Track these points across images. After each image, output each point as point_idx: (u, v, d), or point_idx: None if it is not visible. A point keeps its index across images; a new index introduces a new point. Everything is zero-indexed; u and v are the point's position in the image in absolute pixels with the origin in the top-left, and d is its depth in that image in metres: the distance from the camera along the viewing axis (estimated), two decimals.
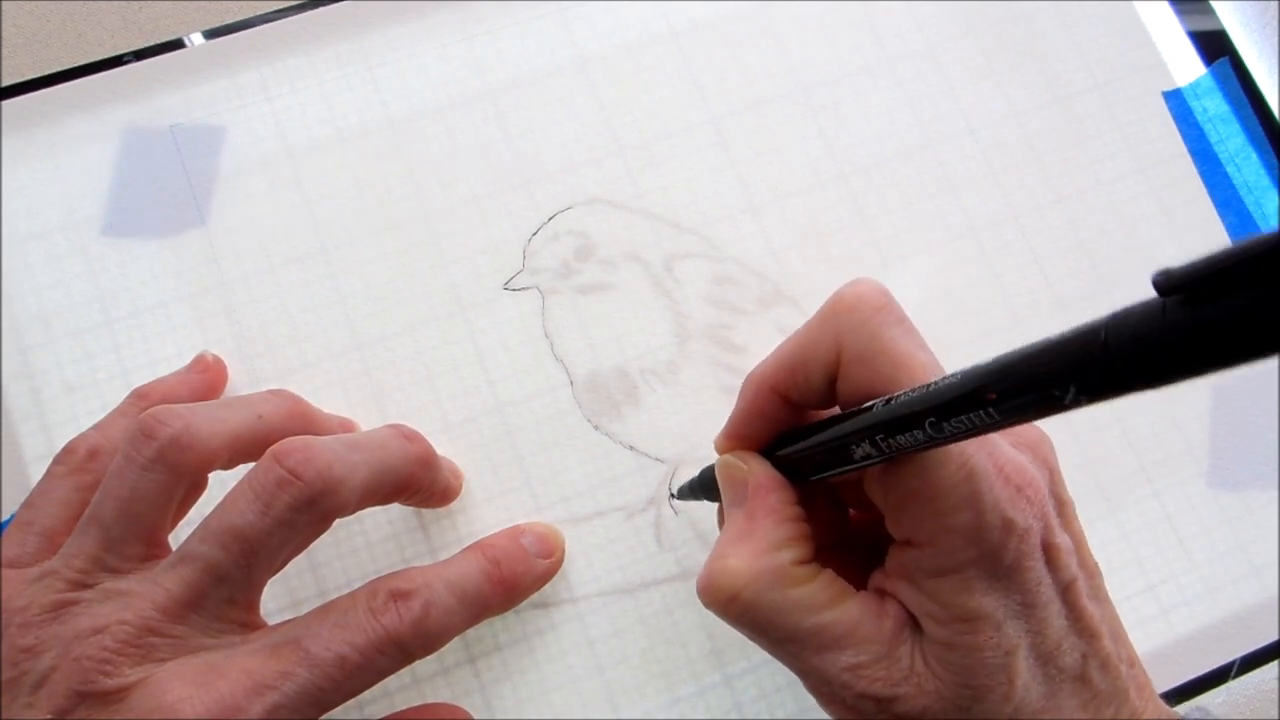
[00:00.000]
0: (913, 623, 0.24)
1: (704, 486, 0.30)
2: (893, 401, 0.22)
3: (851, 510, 0.29)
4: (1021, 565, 0.23)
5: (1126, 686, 0.25)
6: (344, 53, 0.38)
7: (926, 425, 0.21)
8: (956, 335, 0.36)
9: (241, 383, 0.34)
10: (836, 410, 0.26)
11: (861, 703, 0.24)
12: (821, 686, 0.25)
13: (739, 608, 0.25)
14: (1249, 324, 0.15)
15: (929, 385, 0.21)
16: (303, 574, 0.33)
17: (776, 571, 0.25)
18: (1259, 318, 0.15)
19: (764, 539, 0.25)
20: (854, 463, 0.24)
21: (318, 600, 0.32)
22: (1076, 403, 0.18)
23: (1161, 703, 0.26)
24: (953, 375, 0.21)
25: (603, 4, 0.39)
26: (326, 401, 0.34)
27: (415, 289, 0.35)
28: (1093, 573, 0.25)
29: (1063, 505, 0.25)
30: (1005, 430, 0.25)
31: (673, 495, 0.34)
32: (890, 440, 0.22)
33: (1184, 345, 0.16)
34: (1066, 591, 0.24)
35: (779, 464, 0.27)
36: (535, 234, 0.36)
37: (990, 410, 0.19)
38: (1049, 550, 0.24)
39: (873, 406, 0.23)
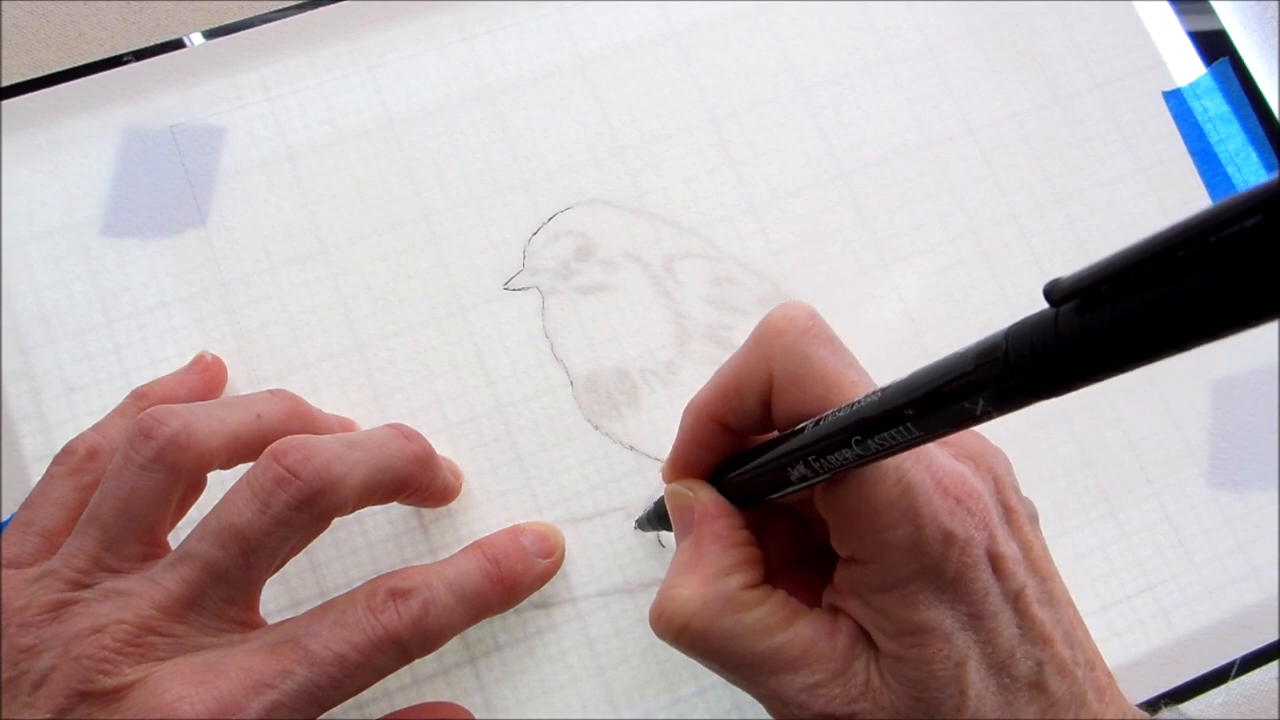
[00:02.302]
0: (866, 638, 0.24)
1: (659, 516, 0.30)
2: (821, 422, 0.23)
3: (817, 525, 0.29)
4: (965, 576, 0.23)
5: (1084, 690, 0.24)
6: (344, 53, 0.38)
7: (853, 444, 0.21)
8: (956, 335, 0.36)
9: (241, 383, 0.34)
10: (776, 434, 0.26)
11: None
12: (780, 709, 0.25)
13: (690, 637, 0.25)
14: (1136, 328, 0.15)
15: (853, 405, 0.22)
16: (303, 574, 0.33)
17: (725, 598, 0.25)
18: (1145, 321, 0.15)
19: (711, 566, 0.25)
20: (792, 484, 0.24)
21: (318, 600, 0.32)
22: (987, 414, 0.18)
23: (1126, 702, 0.26)
24: (874, 393, 0.21)
25: (603, 4, 0.39)
26: (326, 402, 0.34)
27: (415, 289, 0.35)
28: (1046, 577, 0.25)
29: (1011, 513, 0.25)
30: (948, 442, 0.25)
31: (636, 527, 0.34)
32: (822, 460, 0.22)
33: (1076, 353, 0.16)
34: (1016, 600, 0.24)
35: (726, 489, 0.27)
36: (535, 234, 0.36)
37: (909, 425, 0.20)
38: (995, 559, 0.24)
39: (804, 428, 0.23)
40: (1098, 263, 0.16)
